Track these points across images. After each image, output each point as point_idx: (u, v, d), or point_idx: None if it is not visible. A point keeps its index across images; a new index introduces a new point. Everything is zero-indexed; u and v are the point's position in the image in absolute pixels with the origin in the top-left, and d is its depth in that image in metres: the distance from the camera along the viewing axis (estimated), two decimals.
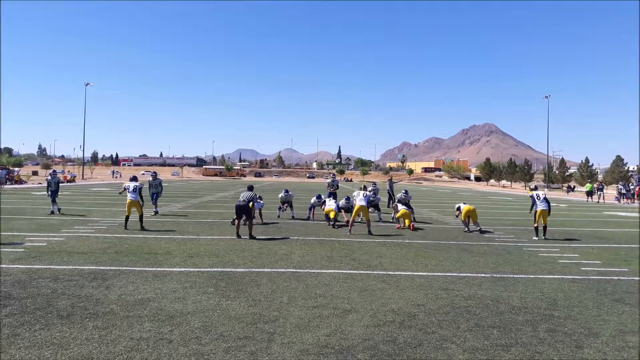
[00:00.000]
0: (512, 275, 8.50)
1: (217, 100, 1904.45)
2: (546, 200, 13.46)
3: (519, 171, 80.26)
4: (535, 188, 14.45)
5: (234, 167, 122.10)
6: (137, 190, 13.72)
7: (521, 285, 7.73)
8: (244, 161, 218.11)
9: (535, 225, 13.34)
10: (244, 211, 12.17)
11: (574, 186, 67.52)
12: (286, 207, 18.22)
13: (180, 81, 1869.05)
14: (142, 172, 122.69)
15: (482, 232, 14.83)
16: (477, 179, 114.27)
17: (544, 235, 13.40)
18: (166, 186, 47.38)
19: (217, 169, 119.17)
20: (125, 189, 13.89)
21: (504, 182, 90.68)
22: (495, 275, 8.47)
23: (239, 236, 12.15)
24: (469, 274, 8.56)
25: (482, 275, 8.53)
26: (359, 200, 13.84)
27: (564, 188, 60.01)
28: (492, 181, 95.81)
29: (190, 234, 12.75)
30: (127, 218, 13.68)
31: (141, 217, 13.76)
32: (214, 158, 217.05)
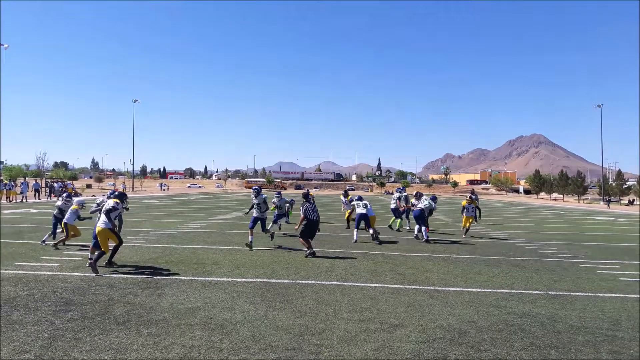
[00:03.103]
0: (568, 293, 8.14)
1: (258, 113, 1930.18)
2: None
3: (572, 184, 77.19)
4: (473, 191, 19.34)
5: (275, 180, 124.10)
6: (118, 210, 9.68)
7: (579, 304, 7.39)
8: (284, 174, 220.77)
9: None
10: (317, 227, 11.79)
11: (633, 199, 64.23)
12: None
13: (220, 96, 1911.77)
14: (189, 185, 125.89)
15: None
16: (527, 191, 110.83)
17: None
18: (211, 199, 48.31)
19: (259, 181, 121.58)
20: (97, 210, 10.16)
21: (555, 195, 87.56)
22: (550, 293, 8.14)
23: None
24: (522, 291, 8.26)
25: (536, 292, 8.21)
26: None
27: (622, 201, 57.20)
28: (542, 194, 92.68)
29: (235, 245, 12.93)
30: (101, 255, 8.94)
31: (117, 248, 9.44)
32: (255, 171, 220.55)
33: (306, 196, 12.28)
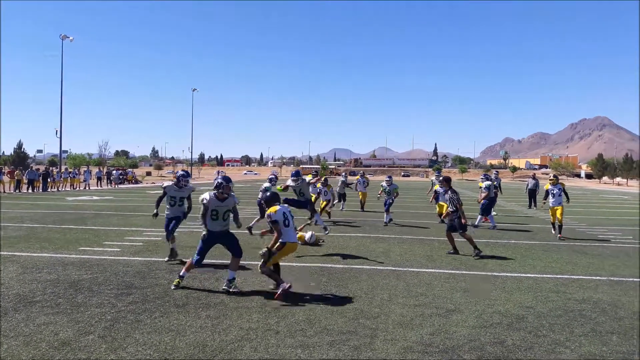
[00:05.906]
0: (632, 279, 7.81)
1: (312, 99, 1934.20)
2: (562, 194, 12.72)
3: (637, 167, 72.94)
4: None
5: (329, 166, 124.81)
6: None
7: None
8: (339, 160, 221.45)
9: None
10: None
11: None
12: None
13: (275, 82, 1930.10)
14: (245, 172, 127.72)
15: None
16: (589, 176, 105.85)
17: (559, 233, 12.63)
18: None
19: (313, 168, 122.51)
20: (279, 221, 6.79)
21: (618, 179, 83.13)
22: (612, 279, 7.83)
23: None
24: (582, 277, 7.99)
25: (598, 278, 7.93)
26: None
27: None
28: (605, 178, 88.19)
29: None
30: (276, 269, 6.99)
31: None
32: (310, 158, 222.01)
33: (448, 180, 10.28)
